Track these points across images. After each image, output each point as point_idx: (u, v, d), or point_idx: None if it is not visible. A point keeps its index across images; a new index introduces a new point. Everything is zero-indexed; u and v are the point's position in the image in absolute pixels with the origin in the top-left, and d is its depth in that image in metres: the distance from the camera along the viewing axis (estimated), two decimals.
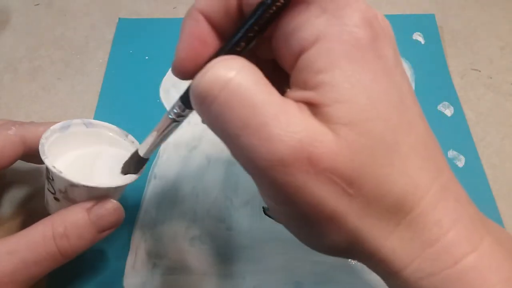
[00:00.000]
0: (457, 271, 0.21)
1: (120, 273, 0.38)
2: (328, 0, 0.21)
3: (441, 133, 0.44)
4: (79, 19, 0.58)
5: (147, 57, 0.52)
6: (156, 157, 0.44)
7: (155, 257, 0.39)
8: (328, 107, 0.20)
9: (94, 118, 0.47)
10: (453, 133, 0.45)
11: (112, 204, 0.33)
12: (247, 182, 0.42)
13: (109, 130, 0.37)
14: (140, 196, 0.42)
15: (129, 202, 0.42)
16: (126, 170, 0.33)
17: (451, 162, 0.43)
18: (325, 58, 0.21)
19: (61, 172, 0.31)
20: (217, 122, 0.21)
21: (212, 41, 0.24)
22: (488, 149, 0.45)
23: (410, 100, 0.22)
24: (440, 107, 0.47)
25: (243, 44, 0.22)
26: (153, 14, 0.57)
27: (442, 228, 0.21)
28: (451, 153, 0.44)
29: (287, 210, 0.23)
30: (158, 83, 0.50)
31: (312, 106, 0.21)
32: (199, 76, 0.21)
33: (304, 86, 0.21)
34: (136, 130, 0.46)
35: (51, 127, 0.34)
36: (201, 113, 0.22)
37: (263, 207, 0.41)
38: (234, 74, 0.20)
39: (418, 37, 0.53)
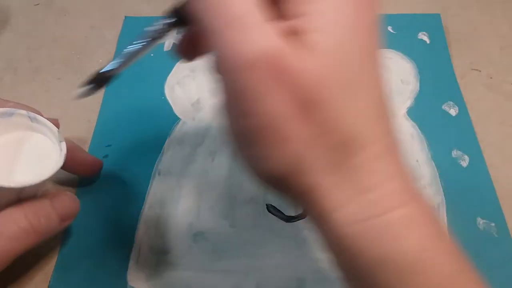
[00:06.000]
0: (383, 221, 0.23)
1: (123, 269, 0.40)
2: None
3: (446, 133, 0.48)
4: (79, 19, 0.61)
5: (152, 55, 0.55)
6: (161, 153, 0.47)
7: (158, 253, 0.41)
8: (310, 33, 0.23)
9: (99, 115, 0.50)
10: (458, 133, 0.48)
11: (69, 196, 0.39)
12: (251, 180, 0.45)
13: (48, 130, 0.38)
14: (144, 192, 0.45)
15: (133, 198, 0.44)
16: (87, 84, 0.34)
17: (455, 161, 0.46)
18: None
19: None
20: (206, 16, 0.23)
21: None
22: (489, 149, 0.47)
23: (377, 63, 0.25)
24: (444, 107, 0.50)
25: None
26: (154, 14, 0.60)
27: (380, 179, 0.24)
28: (455, 153, 0.47)
29: (240, 122, 0.24)
30: (163, 80, 0.53)
31: (295, 35, 0.23)
32: None
33: (292, 15, 0.24)
34: (140, 127, 0.49)
35: None
36: (193, 9, 0.24)
37: (266, 204, 0.43)
38: None
39: (423, 36, 0.56)
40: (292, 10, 0.24)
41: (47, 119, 0.41)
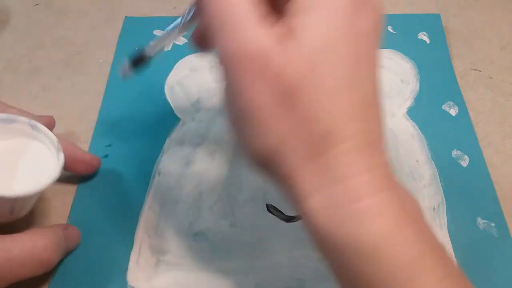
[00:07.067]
0: (353, 208, 0.25)
1: (123, 269, 0.41)
2: None
3: (446, 133, 0.48)
4: (79, 19, 0.61)
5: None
6: (161, 153, 0.48)
7: (158, 252, 0.42)
8: (302, 31, 0.25)
9: (99, 115, 0.51)
10: (458, 133, 0.48)
11: (77, 230, 0.42)
12: (250, 179, 0.45)
13: (48, 140, 0.39)
14: (144, 192, 0.45)
15: (133, 197, 0.45)
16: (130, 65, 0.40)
17: (455, 161, 0.46)
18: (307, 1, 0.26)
19: None
20: (208, 12, 0.27)
21: None
22: (489, 149, 0.47)
23: (369, 68, 0.27)
24: (444, 107, 0.50)
25: None
26: (154, 14, 0.61)
27: (352, 172, 0.25)
28: (455, 153, 0.47)
29: (231, 106, 0.28)
30: (163, 80, 0.54)
31: (289, 31, 0.26)
32: None
33: (290, 12, 0.26)
34: (140, 127, 0.50)
35: None
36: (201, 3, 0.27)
37: (266, 204, 0.44)
38: None
39: (423, 36, 0.56)
40: (290, 8, 0.26)
41: (43, 116, 0.42)
